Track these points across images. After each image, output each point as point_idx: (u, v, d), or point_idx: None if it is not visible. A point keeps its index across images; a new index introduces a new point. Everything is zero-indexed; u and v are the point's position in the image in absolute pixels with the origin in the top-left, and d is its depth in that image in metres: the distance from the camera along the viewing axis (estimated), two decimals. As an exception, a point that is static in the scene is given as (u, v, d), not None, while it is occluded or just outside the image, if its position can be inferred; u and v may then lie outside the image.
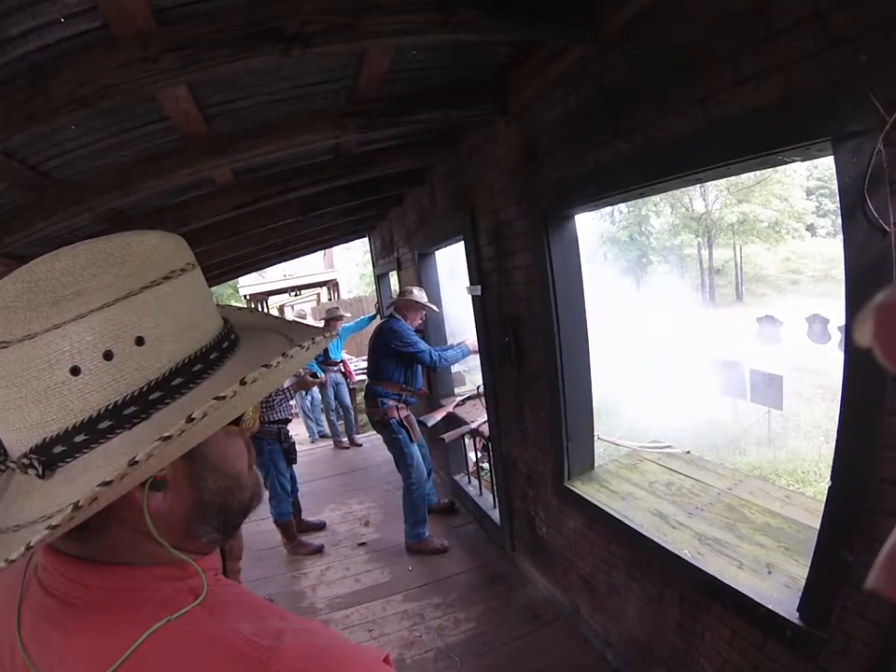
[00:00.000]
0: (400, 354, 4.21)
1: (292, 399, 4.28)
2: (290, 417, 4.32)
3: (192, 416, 0.48)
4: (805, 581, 1.65)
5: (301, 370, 4.48)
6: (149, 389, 0.51)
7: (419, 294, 4.34)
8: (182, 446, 0.50)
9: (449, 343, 4.69)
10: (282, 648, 0.51)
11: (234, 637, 0.51)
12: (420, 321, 4.46)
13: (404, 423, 4.24)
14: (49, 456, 0.50)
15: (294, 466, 4.48)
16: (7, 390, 0.49)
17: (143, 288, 0.52)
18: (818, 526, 1.58)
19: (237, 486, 0.63)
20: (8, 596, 0.59)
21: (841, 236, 1.36)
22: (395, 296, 4.71)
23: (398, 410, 4.21)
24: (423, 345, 4.25)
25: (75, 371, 0.49)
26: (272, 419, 4.10)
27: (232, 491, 0.62)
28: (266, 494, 4.29)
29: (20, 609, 0.57)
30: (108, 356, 0.50)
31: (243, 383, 0.51)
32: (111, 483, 0.45)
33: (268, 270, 13.49)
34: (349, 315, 8.25)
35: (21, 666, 0.54)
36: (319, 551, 4.42)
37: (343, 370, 7.52)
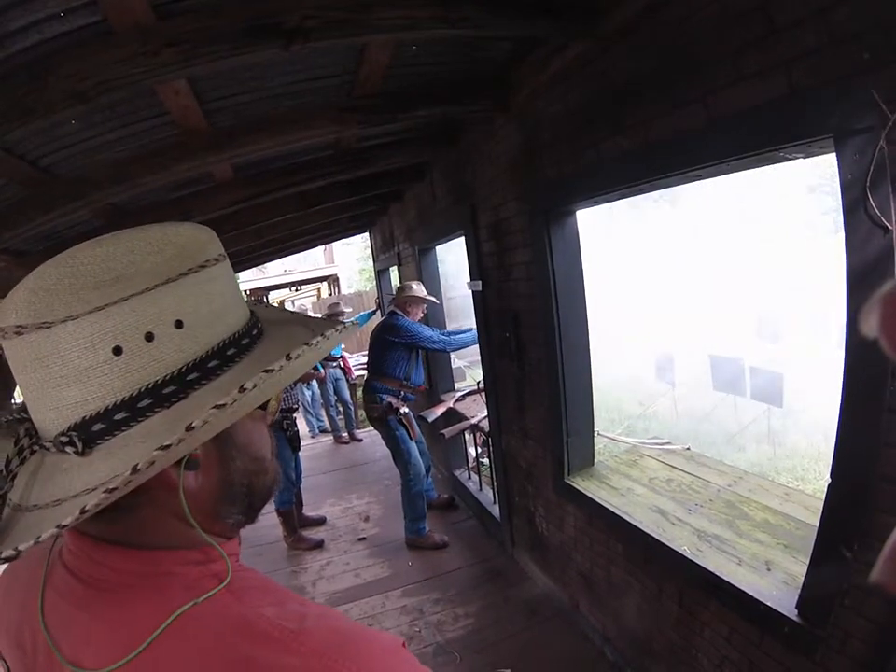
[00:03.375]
0: (402, 345, 4.21)
1: (292, 389, 4.32)
2: (294, 407, 4.39)
3: (244, 387, 0.51)
4: (803, 579, 1.65)
5: None
6: (188, 370, 0.54)
7: (418, 288, 4.35)
8: (231, 416, 0.53)
9: (462, 328, 4.66)
10: (305, 630, 0.52)
11: (259, 620, 0.52)
12: (422, 314, 4.46)
13: (402, 420, 4.24)
14: (89, 434, 0.51)
15: (299, 454, 4.55)
16: (48, 369, 0.50)
17: (181, 275, 0.54)
18: (817, 524, 1.58)
19: (261, 469, 0.65)
20: (31, 580, 0.60)
21: (842, 234, 1.36)
22: (394, 293, 4.72)
23: (396, 406, 4.22)
24: (426, 332, 4.25)
25: (117, 350, 0.51)
26: None
27: (257, 474, 0.64)
28: None
29: (43, 592, 0.58)
30: (149, 337, 0.52)
31: (288, 357, 0.55)
32: (169, 446, 0.47)
33: (268, 265, 13.48)
34: (350, 310, 8.26)
35: (44, 648, 0.55)
36: (319, 545, 4.44)
37: (342, 365, 7.54)
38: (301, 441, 4.67)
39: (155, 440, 0.49)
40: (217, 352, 0.56)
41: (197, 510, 0.56)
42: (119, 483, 0.47)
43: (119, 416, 0.51)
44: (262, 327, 0.65)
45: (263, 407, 0.65)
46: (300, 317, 0.72)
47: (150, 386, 0.52)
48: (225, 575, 0.56)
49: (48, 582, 0.59)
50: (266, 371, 0.53)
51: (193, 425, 0.48)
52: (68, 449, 0.51)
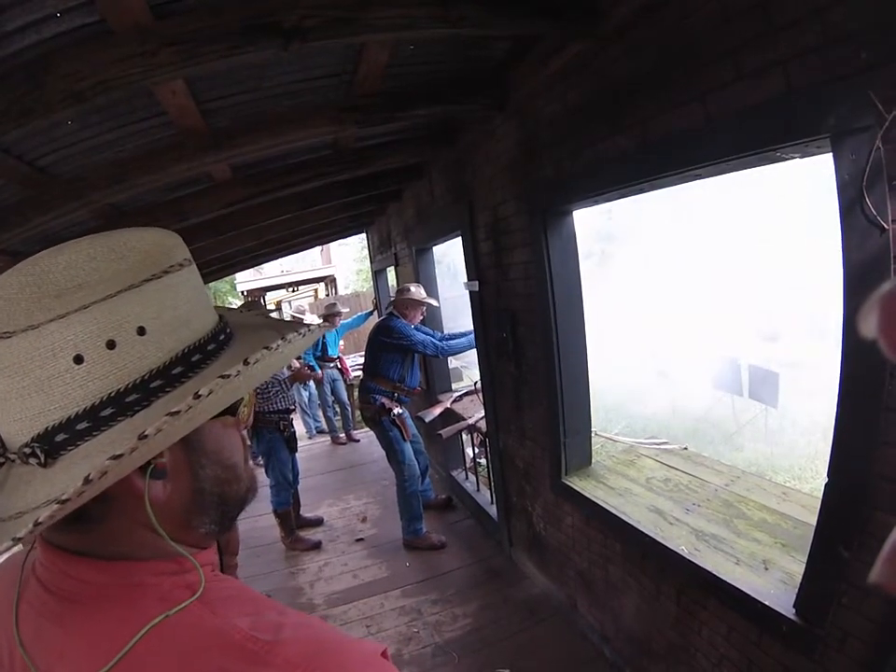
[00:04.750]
0: (396, 347, 4.21)
1: (289, 390, 4.30)
2: (291, 407, 4.36)
3: (199, 393, 0.50)
4: (801, 578, 1.65)
5: (297, 362, 4.51)
6: (150, 378, 0.53)
7: (416, 291, 4.33)
8: (188, 423, 0.52)
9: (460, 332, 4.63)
10: (281, 641, 0.51)
11: (233, 632, 0.51)
12: (421, 317, 4.45)
13: (396, 421, 4.24)
14: (52, 445, 0.50)
15: (296, 455, 4.55)
16: (10, 379, 0.49)
17: (144, 281, 0.53)
18: (814, 523, 1.58)
19: (234, 477, 0.64)
20: (6, 594, 0.59)
21: (839, 233, 1.36)
22: (393, 294, 4.70)
23: (389, 407, 4.22)
24: (419, 336, 4.23)
25: (78, 359, 0.50)
26: (270, 409, 4.16)
27: (229, 482, 0.63)
28: (268, 482, 4.36)
29: (17, 606, 0.57)
30: (111, 345, 0.51)
31: (246, 363, 0.54)
32: (121, 456, 0.46)
33: (265, 266, 13.46)
34: (347, 310, 8.27)
35: (21, 664, 0.54)
36: (317, 546, 4.43)
37: (339, 366, 7.54)
38: (299, 443, 4.66)
39: (118, 448, 0.48)
40: (181, 358, 0.55)
41: (166, 519, 0.55)
42: (71, 495, 0.45)
43: (81, 426, 0.50)
44: (231, 332, 0.63)
45: (234, 413, 0.64)
46: (272, 322, 0.71)
47: (113, 395, 0.51)
48: (198, 586, 0.55)
49: (22, 596, 0.58)
50: (222, 377, 0.52)
51: (146, 433, 0.47)
52: (31, 460, 0.50)
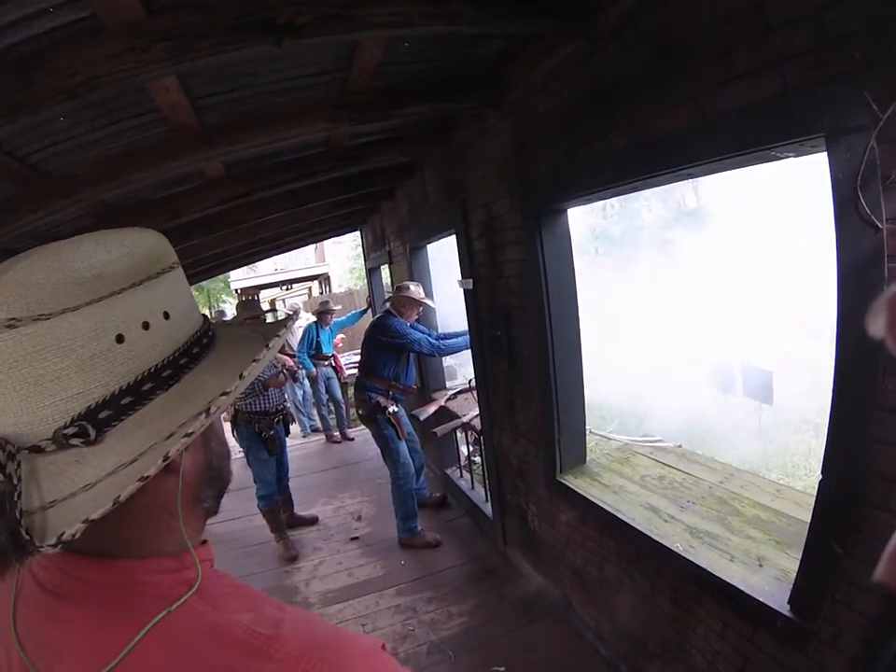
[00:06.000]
0: (391, 346, 4.20)
1: (263, 393, 4.18)
2: (271, 410, 4.25)
3: (243, 374, 0.58)
4: (795, 574, 1.66)
5: (291, 360, 4.47)
6: (179, 355, 0.59)
7: (415, 290, 4.31)
8: (230, 397, 0.58)
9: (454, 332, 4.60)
10: (282, 636, 0.52)
11: (234, 627, 0.52)
12: (417, 316, 4.44)
13: (391, 419, 4.23)
14: (96, 422, 0.51)
15: (285, 455, 4.53)
16: (46, 362, 0.49)
17: (158, 274, 0.59)
18: (808, 520, 1.59)
19: (227, 454, 0.70)
20: (3, 594, 0.59)
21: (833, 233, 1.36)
22: (388, 292, 4.68)
23: (385, 405, 4.21)
24: (415, 335, 4.21)
25: (119, 338, 0.53)
26: (246, 409, 4.14)
27: (225, 457, 0.69)
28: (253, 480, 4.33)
29: (15, 606, 0.57)
30: (146, 326, 0.56)
31: (267, 348, 0.63)
32: (230, 392, 0.55)
33: (259, 264, 13.43)
34: (340, 307, 8.27)
35: (19, 664, 0.54)
36: (294, 559, 4.29)
37: (333, 364, 7.53)
38: (293, 441, 4.60)
39: (170, 416, 0.53)
40: (196, 340, 0.62)
41: (184, 494, 0.59)
42: (196, 427, 0.52)
43: (125, 401, 0.53)
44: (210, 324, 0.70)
45: None
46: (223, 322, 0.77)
47: (152, 370, 0.55)
48: (195, 582, 0.56)
49: (19, 596, 0.57)
50: (255, 361, 0.61)
51: (244, 373, 0.58)
52: (75, 441, 0.50)
